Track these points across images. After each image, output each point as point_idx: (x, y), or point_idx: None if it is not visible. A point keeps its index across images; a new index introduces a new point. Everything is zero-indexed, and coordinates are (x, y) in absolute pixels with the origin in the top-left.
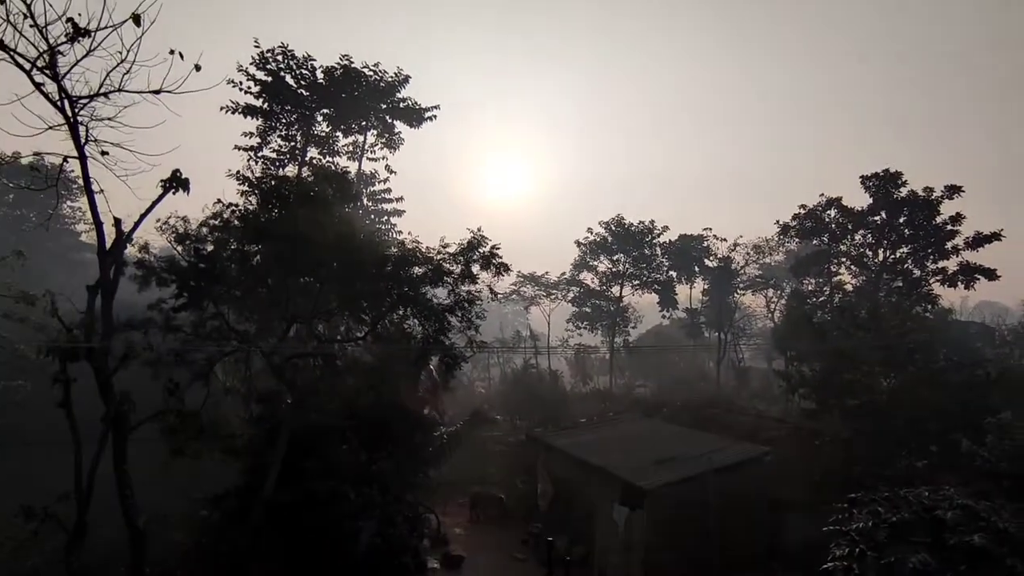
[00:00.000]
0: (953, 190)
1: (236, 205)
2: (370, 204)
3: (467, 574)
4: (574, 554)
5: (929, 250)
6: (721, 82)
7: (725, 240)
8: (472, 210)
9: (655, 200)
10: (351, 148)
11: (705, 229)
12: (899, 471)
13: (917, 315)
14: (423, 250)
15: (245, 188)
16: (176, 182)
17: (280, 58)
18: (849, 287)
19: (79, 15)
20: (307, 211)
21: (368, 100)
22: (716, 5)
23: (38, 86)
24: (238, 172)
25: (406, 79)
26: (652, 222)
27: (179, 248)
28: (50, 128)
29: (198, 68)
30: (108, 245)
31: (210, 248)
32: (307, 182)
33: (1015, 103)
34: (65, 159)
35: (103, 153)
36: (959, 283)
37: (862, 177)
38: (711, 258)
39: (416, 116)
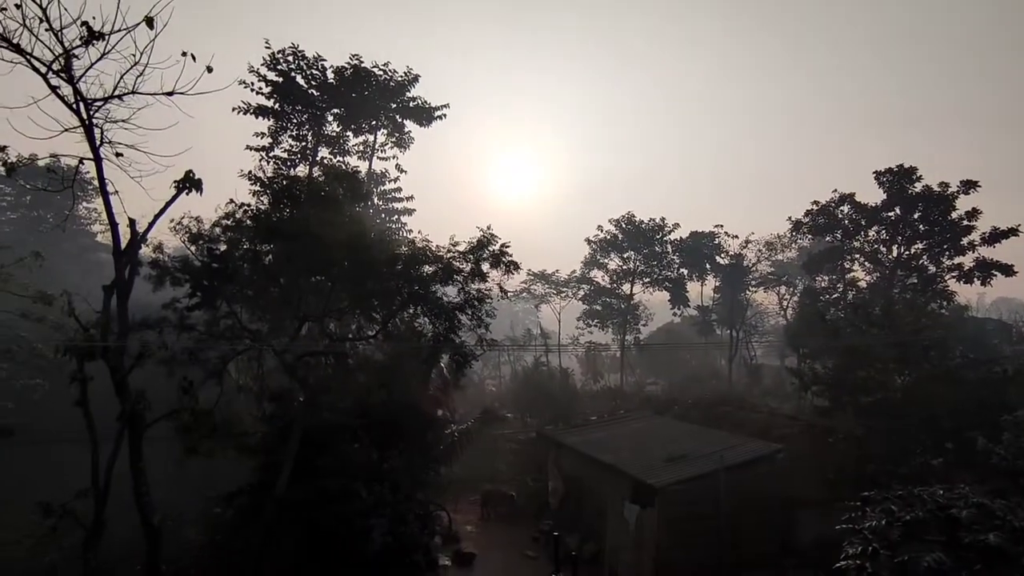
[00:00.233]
0: (969, 185)
1: (248, 205)
2: (381, 203)
3: (479, 572)
4: (585, 552)
5: (945, 246)
6: (737, 75)
7: (737, 237)
8: (483, 208)
9: (669, 196)
10: (361, 147)
11: (716, 226)
12: (913, 469)
13: (932, 312)
14: (433, 249)
15: (257, 188)
16: (189, 183)
17: (291, 58)
18: (863, 284)
19: (93, 18)
20: (318, 211)
21: (378, 99)
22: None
23: (54, 89)
24: (250, 172)
25: (415, 78)
26: (663, 219)
27: (192, 248)
28: (66, 130)
29: (210, 70)
30: (123, 245)
31: (223, 248)
32: (318, 182)
33: None
34: (81, 161)
35: (118, 155)
36: (975, 279)
37: (876, 172)
38: (723, 255)
39: (426, 115)
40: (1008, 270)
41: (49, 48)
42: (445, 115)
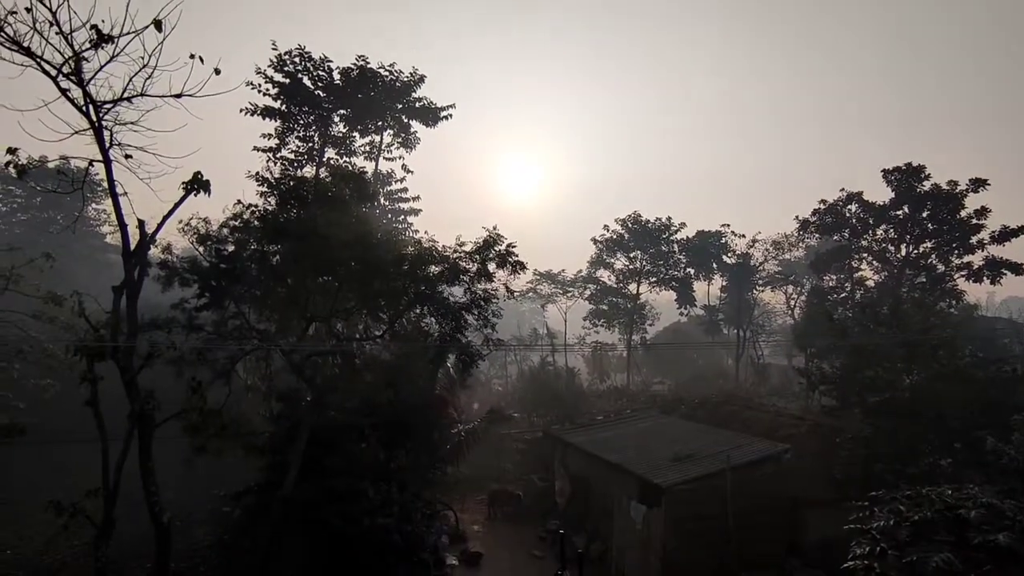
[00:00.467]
0: (978, 183)
1: (256, 206)
2: (387, 203)
3: (486, 571)
4: (592, 551)
5: (953, 244)
6: (742, 74)
7: (744, 236)
8: (489, 207)
9: (673, 197)
10: (368, 148)
11: (723, 225)
12: (922, 469)
13: (941, 311)
14: (439, 249)
15: (264, 189)
16: (197, 184)
17: (297, 60)
18: (871, 283)
19: (102, 21)
20: (325, 211)
21: (384, 100)
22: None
23: (64, 92)
24: (257, 173)
25: (421, 79)
26: (669, 219)
27: (201, 249)
28: (76, 133)
29: (217, 72)
30: (132, 246)
31: (231, 248)
32: (325, 182)
33: None
34: (91, 163)
35: (127, 156)
36: (985, 278)
37: (884, 171)
38: (729, 254)
39: (432, 115)
40: (1018, 269)
41: (59, 51)
42: (451, 115)
